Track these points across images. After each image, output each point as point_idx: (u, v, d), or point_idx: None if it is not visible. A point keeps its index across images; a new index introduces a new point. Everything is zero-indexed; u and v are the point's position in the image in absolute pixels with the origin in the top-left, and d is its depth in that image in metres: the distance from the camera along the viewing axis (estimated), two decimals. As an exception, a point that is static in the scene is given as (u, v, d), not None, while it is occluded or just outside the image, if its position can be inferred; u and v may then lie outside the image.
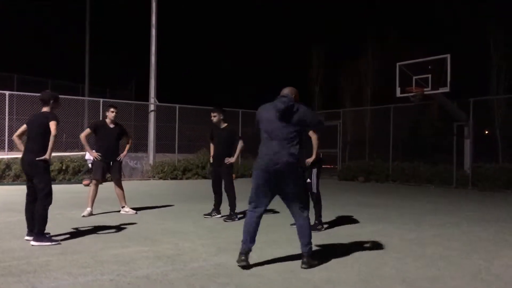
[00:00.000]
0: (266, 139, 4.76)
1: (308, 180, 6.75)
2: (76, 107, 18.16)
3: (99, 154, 7.88)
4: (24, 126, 5.80)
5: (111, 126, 8.07)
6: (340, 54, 26.98)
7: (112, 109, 8.09)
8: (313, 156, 6.62)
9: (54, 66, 29.67)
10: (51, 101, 5.71)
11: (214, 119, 7.83)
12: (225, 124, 7.88)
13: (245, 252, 4.53)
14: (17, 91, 18.13)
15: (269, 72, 35.14)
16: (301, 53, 30.84)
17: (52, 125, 5.51)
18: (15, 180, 14.11)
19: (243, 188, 13.56)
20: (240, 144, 7.79)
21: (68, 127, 17.14)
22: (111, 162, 8.04)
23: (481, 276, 4.40)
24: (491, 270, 4.63)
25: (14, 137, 5.97)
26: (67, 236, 5.96)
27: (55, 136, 5.51)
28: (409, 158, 17.79)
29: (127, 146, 8.39)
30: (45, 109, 5.70)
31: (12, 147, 14.89)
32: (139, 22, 23.84)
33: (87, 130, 8.08)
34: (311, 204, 6.87)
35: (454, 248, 5.59)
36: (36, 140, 5.58)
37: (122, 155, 8.19)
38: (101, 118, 15.84)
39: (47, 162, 5.54)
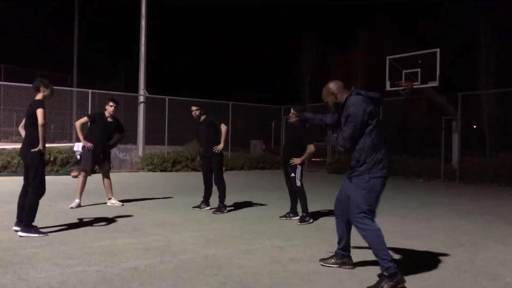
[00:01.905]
0: (379, 141, 3.99)
1: (292, 175, 6.83)
2: (65, 98, 18.00)
3: (91, 145, 7.83)
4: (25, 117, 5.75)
5: (109, 119, 8.06)
6: (330, 47, 27.01)
7: (112, 103, 8.06)
8: (301, 159, 6.79)
9: (42, 57, 29.40)
10: (41, 87, 5.60)
11: (197, 113, 7.85)
12: (203, 117, 7.89)
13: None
14: (4, 81, 17.89)
15: (259, 64, 35.09)
16: (291, 45, 30.82)
17: (39, 113, 5.40)
18: (2, 171, 13.98)
19: (233, 181, 13.60)
20: (223, 128, 7.75)
21: (57, 118, 17.00)
22: (101, 154, 8.01)
23: (466, 267, 4.46)
24: (476, 262, 4.70)
25: (19, 128, 5.94)
26: (55, 227, 5.94)
27: (44, 125, 5.41)
28: (397, 151, 17.91)
29: (119, 141, 8.38)
30: (38, 97, 5.60)
31: (-1, 138, 14.75)
32: (128, 12, 23.64)
33: (85, 118, 8.08)
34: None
35: (439, 241, 5.65)
36: (28, 130, 5.53)
37: (111, 147, 8.19)
38: (89, 110, 15.76)
39: (41, 153, 5.48)
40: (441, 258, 4.82)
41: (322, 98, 4.21)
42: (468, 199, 10.39)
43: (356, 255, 4.83)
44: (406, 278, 4.03)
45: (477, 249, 5.29)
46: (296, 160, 6.76)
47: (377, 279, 3.79)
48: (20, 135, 6.11)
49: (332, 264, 4.35)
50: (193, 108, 7.87)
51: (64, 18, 28.23)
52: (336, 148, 4.03)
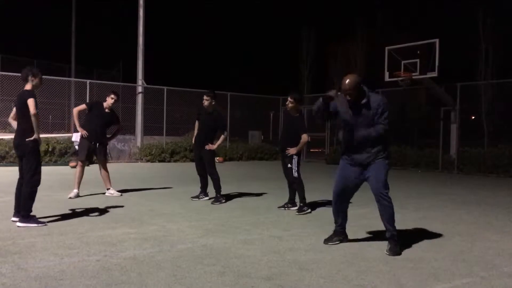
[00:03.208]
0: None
1: (289, 165, 6.84)
2: (62, 88, 17.93)
3: (86, 133, 7.82)
4: (14, 108, 5.71)
5: (106, 111, 8.04)
6: (329, 37, 26.90)
7: (113, 96, 8.04)
8: (296, 149, 6.79)
9: (40, 47, 29.20)
10: (30, 77, 5.54)
11: (206, 103, 7.78)
12: (214, 110, 7.86)
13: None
14: (1, 71, 17.81)
15: (258, 55, 34.96)
16: (290, 36, 30.69)
17: (30, 102, 5.37)
18: (0, 161, 13.97)
19: (231, 171, 13.62)
20: (224, 134, 7.81)
21: (55, 108, 16.95)
22: (97, 144, 8.00)
23: (463, 257, 4.49)
24: (473, 251, 4.73)
25: (9, 119, 5.89)
26: (54, 217, 5.95)
27: (36, 114, 5.38)
28: (396, 142, 17.91)
29: (115, 133, 8.37)
30: (27, 87, 5.56)
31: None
32: (126, 2, 23.48)
33: (83, 106, 8.10)
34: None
35: (437, 230, 5.68)
36: (21, 121, 5.52)
37: (107, 140, 8.20)
38: (88, 100, 15.70)
39: (36, 142, 5.47)
40: (438, 247, 4.84)
41: (348, 88, 4.46)
42: (467, 190, 10.41)
43: (353, 245, 4.86)
44: (404, 267, 4.07)
45: (474, 238, 5.31)
46: (291, 150, 6.77)
47: (374, 266, 3.81)
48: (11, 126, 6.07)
49: (335, 241, 4.87)
50: (206, 97, 7.77)
51: (61, 7, 28.03)
52: (368, 136, 4.49)
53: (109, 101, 8.01)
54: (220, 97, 19.83)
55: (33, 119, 5.38)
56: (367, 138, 4.53)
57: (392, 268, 4.03)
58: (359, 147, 4.59)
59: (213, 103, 7.81)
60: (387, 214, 4.63)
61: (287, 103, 6.97)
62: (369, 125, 4.51)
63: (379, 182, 4.56)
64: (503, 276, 3.92)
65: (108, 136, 8.43)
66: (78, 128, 7.92)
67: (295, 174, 6.84)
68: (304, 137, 6.78)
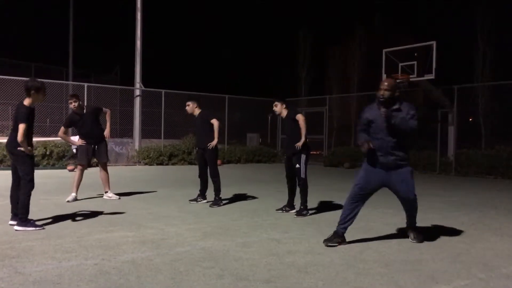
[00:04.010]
0: None
1: (297, 166, 6.80)
2: (60, 91, 17.92)
3: (83, 141, 7.86)
4: None
5: (82, 113, 7.95)
6: (327, 40, 26.94)
7: (70, 100, 7.93)
8: (302, 139, 6.73)
9: (38, 50, 29.18)
10: (32, 91, 5.44)
11: (188, 109, 7.90)
12: (199, 111, 7.90)
13: None
14: (-1, 75, 17.77)
15: (255, 57, 34.99)
16: (287, 38, 30.72)
17: (20, 128, 5.28)
18: (-2, 165, 13.94)
19: (229, 174, 13.61)
20: (215, 124, 7.73)
21: (52, 112, 16.93)
22: (96, 146, 7.99)
23: (461, 259, 4.49)
24: (471, 253, 4.73)
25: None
26: (51, 221, 5.93)
27: (23, 141, 5.30)
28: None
29: (108, 124, 8.23)
30: (26, 101, 5.43)
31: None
32: (124, 5, 23.49)
33: (62, 129, 8.04)
34: (298, 189, 6.94)
35: (435, 232, 5.68)
36: (14, 132, 5.49)
37: (106, 133, 8.11)
38: (85, 103, 15.68)
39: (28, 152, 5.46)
40: (436, 249, 4.85)
41: (386, 88, 4.81)
42: (465, 191, 10.42)
43: (352, 248, 4.86)
44: (402, 269, 4.07)
45: (472, 240, 5.32)
46: (299, 143, 6.69)
47: (373, 269, 3.81)
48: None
49: (335, 243, 4.91)
50: (187, 104, 7.93)
51: (59, 10, 28.02)
52: (401, 127, 4.77)
53: (71, 106, 7.90)
54: (218, 99, 19.89)
55: (19, 140, 5.30)
56: (397, 141, 4.84)
57: (390, 271, 4.03)
58: (387, 150, 4.86)
59: (196, 107, 7.89)
60: (412, 211, 5.17)
61: (275, 109, 7.07)
62: (398, 130, 4.78)
63: (407, 187, 4.96)
64: (502, 278, 3.92)
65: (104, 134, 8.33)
66: (74, 143, 8.01)
67: (303, 175, 6.81)
68: (300, 118, 6.80)
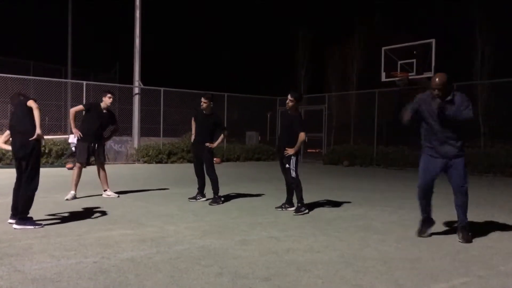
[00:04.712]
0: None
1: (287, 166, 6.83)
2: (59, 89, 17.89)
3: (80, 134, 7.81)
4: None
5: (104, 111, 8.03)
6: (326, 38, 26.92)
7: (109, 95, 8.01)
8: (294, 150, 6.77)
9: (36, 48, 29.13)
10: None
11: (204, 105, 7.81)
12: (211, 112, 7.88)
13: None
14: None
15: (255, 56, 34.96)
16: (287, 36, 30.70)
17: (31, 102, 5.38)
18: (-3, 163, 13.92)
19: (229, 172, 13.61)
20: (224, 134, 7.88)
21: (51, 110, 16.91)
22: (95, 145, 7.99)
23: (460, 257, 4.49)
24: (470, 251, 4.74)
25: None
26: (50, 219, 5.93)
27: (38, 108, 5.37)
28: (393, 142, 17.94)
29: (113, 133, 8.35)
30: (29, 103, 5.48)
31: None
32: (123, 3, 23.45)
33: (80, 107, 8.06)
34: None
35: (435, 230, 5.68)
36: (22, 121, 5.47)
37: (105, 140, 8.19)
38: (84, 101, 15.67)
39: (39, 141, 5.45)
40: (436, 247, 4.85)
41: (438, 83, 4.96)
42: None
43: (351, 246, 4.86)
44: (401, 267, 4.08)
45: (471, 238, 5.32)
46: (289, 151, 6.76)
47: (372, 267, 3.81)
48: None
49: (429, 233, 5.36)
50: (204, 100, 7.79)
51: (58, 8, 27.97)
52: (457, 118, 5.01)
53: (107, 100, 7.99)
54: (217, 98, 19.85)
55: (36, 113, 5.36)
56: (452, 131, 5.07)
57: (390, 269, 4.04)
58: (444, 140, 5.11)
59: (211, 105, 7.83)
60: (464, 206, 5.24)
61: (287, 101, 6.95)
62: (454, 121, 4.98)
63: (460, 176, 5.17)
64: (501, 275, 3.93)
65: (105, 137, 8.41)
66: (73, 129, 7.85)
67: (293, 174, 6.84)
68: (301, 136, 6.75)
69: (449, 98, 5.01)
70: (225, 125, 8.00)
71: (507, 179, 13.04)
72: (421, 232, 5.35)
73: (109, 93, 8.07)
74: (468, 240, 5.08)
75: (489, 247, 4.93)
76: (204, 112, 7.85)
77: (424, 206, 5.41)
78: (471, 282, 3.75)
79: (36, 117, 5.37)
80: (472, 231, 5.64)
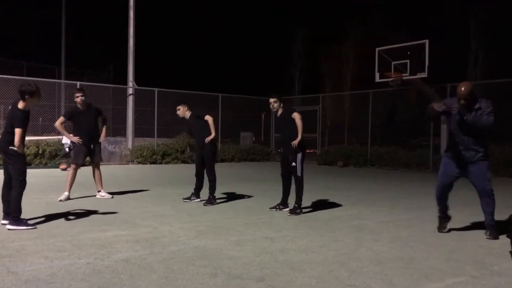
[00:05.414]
0: None
1: (293, 164, 6.80)
2: (53, 90, 17.81)
3: (79, 139, 7.79)
4: None
5: (85, 110, 7.93)
6: (320, 38, 26.96)
7: (77, 94, 7.88)
8: (299, 137, 6.68)
9: (30, 48, 29.00)
10: (26, 96, 5.42)
11: (179, 113, 7.86)
12: (190, 113, 7.88)
13: None
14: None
15: (249, 56, 34.95)
16: (281, 37, 30.71)
17: (16, 133, 5.30)
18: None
19: (223, 173, 13.58)
20: (209, 119, 7.67)
21: (45, 110, 16.82)
22: (92, 146, 7.96)
23: (454, 256, 4.51)
24: (464, 250, 4.75)
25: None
26: (44, 220, 5.90)
27: (20, 146, 5.33)
28: (387, 142, 17.99)
29: (104, 128, 8.26)
30: (20, 105, 5.42)
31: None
32: (117, 3, 23.38)
33: (62, 118, 7.97)
34: (293, 188, 6.93)
35: (429, 230, 5.71)
36: (6, 131, 5.46)
37: (102, 137, 8.10)
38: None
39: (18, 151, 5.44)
40: (430, 247, 4.87)
41: (464, 93, 5.03)
42: (457, 190, 10.46)
43: (345, 246, 4.87)
44: (395, 267, 4.09)
45: (465, 238, 5.35)
46: (295, 141, 6.65)
47: (366, 267, 3.81)
48: None
49: (446, 228, 5.59)
50: (178, 108, 7.86)
51: (51, 8, 27.85)
52: (476, 124, 5.10)
53: (77, 100, 7.86)
54: (211, 98, 19.86)
55: (16, 145, 5.32)
56: (474, 136, 5.18)
57: (384, 268, 4.05)
58: (467, 146, 5.23)
59: (187, 110, 7.87)
60: (491, 208, 5.33)
61: (271, 106, 7.01)
62: (473, 127, 5.09)
63: (485, 179, 5.30)
64: (494, 275, 3.95)
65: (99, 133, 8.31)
66: (69, 138, 7.89)
67: (299, 174, 6.80)
68: (296, 116, 6.73)
69: (476, 106, 5.10)
70: (205, 113, 7.83)
71: (500, 179, 13.10)
72: (441, 228, 5.59)
73: (78, 91, 7.96)
74: (496, 237, 5.24)
75: (483, 246, 4.95)
76: (186, 118, 7.90)
77: (440, 204, 5.61)
78: (465, 282, 3.76)
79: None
80: (467, 230, 5.69)
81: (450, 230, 5.62)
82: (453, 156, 5.41)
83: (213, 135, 7.66)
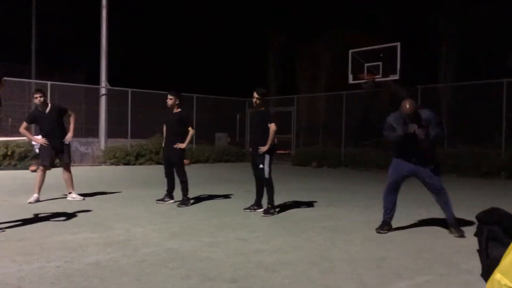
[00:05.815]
0: None
1: (261, 166, 6.83)
2: (23, 90, 17.40)
3: (45, 140, 7.64)
4: None
5: (47, 110, 7.75)
6: (295, 40, 27.10)
7: (36, 95, 7.70)
8: (267, 147, 6.74)
9: (-1, 47, 28.23)
10: None
11: (169, 102, 7.71)
12: (178, 110, 7.79)
13: None
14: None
15: (224, 57, 34.87)
16: (256, 38, 30.77)
17: None
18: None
19: (198, 174, 13.52)
20: (191, 131, 7.69)
21: (14, 110, 16.42)
22: (60, 146, 7.80)
23: (423, 255, 4.60)
24: (434, 249, 4.85)
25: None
26: (12, 223, 5.75)
27: None
28: (361, 144, 18.21)
29: (72, 126, 8.05)
30: None
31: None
32: (90, 2, 23.02)
33: (24, 124, 7.80)
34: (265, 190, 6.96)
35: (401, 230, 5.80)
36: None
37: (68, 137, 7.88)
38: (49, 101, 15.28)
39: None
40: (400, 246, 4.95)
41: (412, 111, 5.33)
42: (426, 189, 10.66)
43: (317, 246, 4.91)
44: (367, 267, 4.14)
45: (434, 236, 5.46)
46: (262, 148, 6.73)
47: (338, 267, 3.85)
48: None
49: (386, 230, 5.64)
50: (170, 97, 7.69)
51: (22, 6, 27.21)
52: (437, 138, 5.68)
53: (36, 101, 7.71)
54: (186, 99, 19.69)
55: None
56: (422, 144, 5.39)
57: (355, 268, 4.09)
58: (416, 152, 5.50)
59: (177, 102, 7.75)
60: (445, 205, 5.68)
61: (254, 100, 6.96)
62: (430, 141, 5.39)
63: (433, 180, 5.59)
64: (461, 273, 4.04)
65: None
66: (35, 140, 7.78)
67: (267, 175, 6.83)
68: (273, 126, 6.73)
69: (424, 117, 5.36)
70: (193, 124, 7.73)
71: (471, 180, 13.41)
72: (379, 228, 5.69)
73: (36, 92, 7.77)
74: (460, 234, 5.44)
75: (452, 245, 5.06)
76: (170, 110, 7.76)
77: (387, 205, 5.73)
78: (434, 280, 3.84)
79: None
80: (436, 229, 5.80)
81: (388, 230, 5.68)
82: (402, 158, 5.65)
83: (184, 145, 7.61)
